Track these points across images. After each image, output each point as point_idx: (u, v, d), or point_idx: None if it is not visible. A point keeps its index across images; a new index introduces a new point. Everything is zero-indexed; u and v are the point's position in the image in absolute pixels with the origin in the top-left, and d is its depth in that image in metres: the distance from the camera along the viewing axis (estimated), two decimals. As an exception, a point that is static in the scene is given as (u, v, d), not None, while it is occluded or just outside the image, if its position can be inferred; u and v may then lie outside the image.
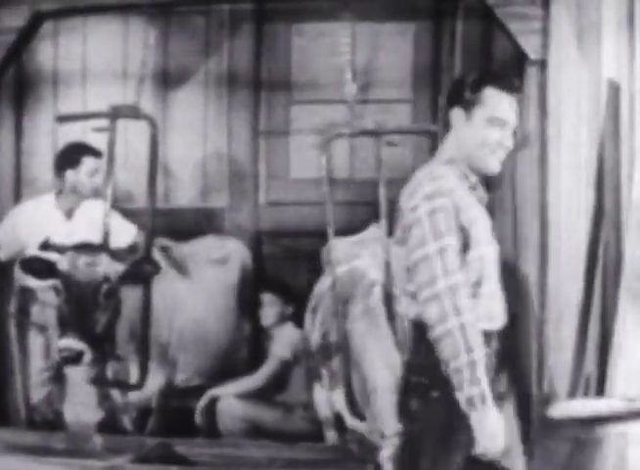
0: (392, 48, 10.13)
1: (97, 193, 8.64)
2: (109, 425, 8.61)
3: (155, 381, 8.67)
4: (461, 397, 4.93)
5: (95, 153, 8.66)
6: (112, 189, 8.24)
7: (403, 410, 5.34)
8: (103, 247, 8.00)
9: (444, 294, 5.02)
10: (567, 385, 7.68)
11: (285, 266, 10.08)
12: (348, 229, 8.60)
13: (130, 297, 8.35)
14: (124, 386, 8.49)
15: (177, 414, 9.04)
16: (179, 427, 8.88)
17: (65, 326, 7.72)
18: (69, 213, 8.74)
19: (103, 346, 8.04)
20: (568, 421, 7.40)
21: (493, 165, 5.43)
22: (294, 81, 10.20)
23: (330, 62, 9.41)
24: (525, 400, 7.63)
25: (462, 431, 5.08)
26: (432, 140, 8.83)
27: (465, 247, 5.22)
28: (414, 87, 10.13)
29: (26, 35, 8.44)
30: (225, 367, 9.36)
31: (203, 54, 10.20)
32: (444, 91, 9.45)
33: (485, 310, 5.26)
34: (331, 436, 8.61)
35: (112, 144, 8.25)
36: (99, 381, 8.42)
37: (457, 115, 5.41)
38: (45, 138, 9.86)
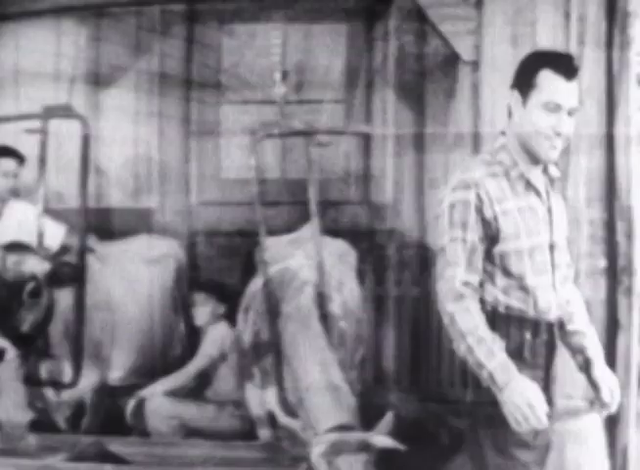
0: (325, 49, 10.21)
1: (15, 193, 8.64)
2: (42, 424, 8.62)
3: (88, 380, 8.74)
4: (485, 376, 4.87)
5: (10, 153, 8.65)
6: (44, 189, 8.26)
7: None
8: (33, 247, 8.03)
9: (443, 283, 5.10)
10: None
11: (217, 266, 10.17)
12: (281, 229, 8.71)
13: (64, 296, 8.41)
14: (58, 385, 8.52)
15: (111, 413, 9.08)
16: (113, 426, 8.93)
17: (-13, 324, 7.73)
18: None
19: (31, 344, 8.06)
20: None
21: (549, 154, 5.30)
22: (224, 82, 10.26)
23: (260, 62, 9.48)
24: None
25: None
26: (364, 141, 8.97)
27: (492, 239, 5.22)
28: (347, 88, 10.23)
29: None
30: (159, 366, 9.44)
31: (134, 54, 10.21)
32: (377, 92, 9.57)
33: (533, 301, 5.23)
34: (263, 434, 8.74)
35: (44, 145, 8.27)
36: (32, 380, 8.44)
37: (514, 98, 5.31)
38: (-23, 140, 9.77)
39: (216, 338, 9.41)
